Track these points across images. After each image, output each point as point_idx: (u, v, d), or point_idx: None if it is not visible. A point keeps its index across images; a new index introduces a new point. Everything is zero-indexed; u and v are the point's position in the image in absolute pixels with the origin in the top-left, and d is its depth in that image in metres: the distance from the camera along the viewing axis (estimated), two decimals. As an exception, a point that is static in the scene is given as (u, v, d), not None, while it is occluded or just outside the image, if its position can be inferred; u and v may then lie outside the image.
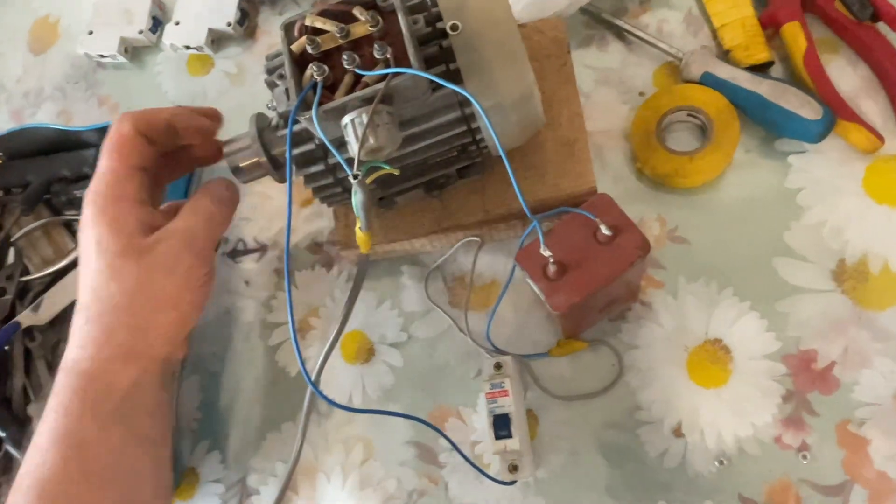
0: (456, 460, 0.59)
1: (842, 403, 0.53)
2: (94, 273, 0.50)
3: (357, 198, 0.44)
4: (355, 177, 0.42)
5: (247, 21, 0.76)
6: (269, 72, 0.51)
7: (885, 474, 0.51)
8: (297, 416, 0.62)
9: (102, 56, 0.78)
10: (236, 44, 0.77)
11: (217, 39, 0.77)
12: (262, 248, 0.69)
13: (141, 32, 0.77)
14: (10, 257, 0.71)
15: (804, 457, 0.52)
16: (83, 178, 0.71)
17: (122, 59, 0.78)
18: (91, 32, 0.78)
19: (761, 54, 0.59)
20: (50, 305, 0.69)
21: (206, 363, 0.67)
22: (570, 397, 0.58)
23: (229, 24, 0.74)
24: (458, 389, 0.60)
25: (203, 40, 0.75)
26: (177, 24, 0.76)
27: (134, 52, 0.79)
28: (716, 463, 0.54)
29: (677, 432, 0.55)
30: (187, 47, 0.76)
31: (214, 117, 0.57)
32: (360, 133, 0.43)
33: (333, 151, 0.43)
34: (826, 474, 0.52)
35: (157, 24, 0.79)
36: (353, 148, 0.43)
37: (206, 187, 0.56)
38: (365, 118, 0.43)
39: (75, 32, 0.82)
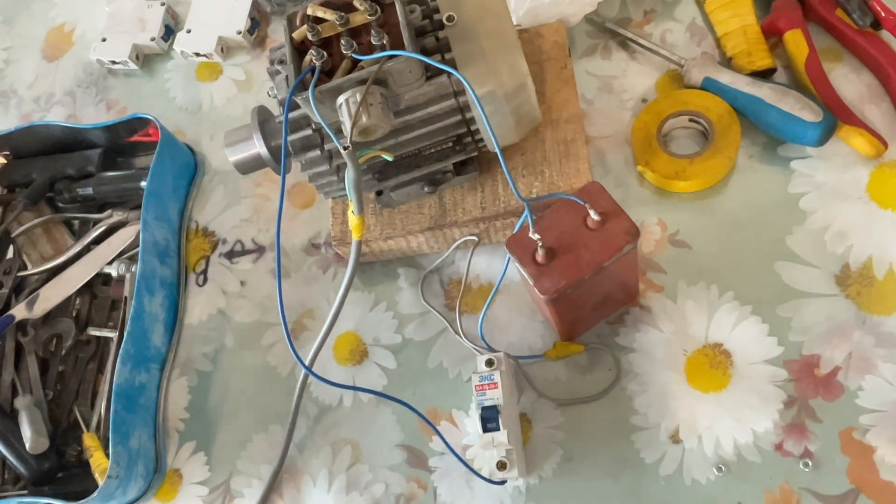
0: (446, 464, 0.61)
1: (846, 410, 0.55)
2: None
3: (348, 175, 0.48)
4: (346, 147, 0.46)
5: (257, 30, 0.83)
6: (272, 62, 0.57)
7: (890, 484, 0.52)
8: (285, 418, 0.65)
9: (114, 62, 0.85)
10: (245, 52, 0.83)
11: (226, 47, 0.83)
12: (259, 250, 0.74)
13: (153, 40, 0.84)
14: (9, 253, 0.76)
15: (806, 465, 0.54)
16: (86, 177, 0.77)
17: (132, 65, 0.85)
18: (104, 39, 0.85)
19: (763, 61, 0.64)
20: (44, 301, 0.73)
21: (196, 364, 0.71)
22: (565, 401, 0.60)
23: (239, 33, 0.81)
24: (451, 393, 0.63)
25: (213, 48, 0.81)
26: (188, 32, 0.83)
27: (145, 59, 0.86)
28: (714, 470, 0.55)
29: (674, 438, 0.57)
30: (197, 54, 0.83)
31: None
32: (353, 111, 0.48)
33: (326, 128, 0.48)
34: (830, 483, 0.53)
35: (169, 32, 0.86)
36: (347, 127, 0.48)
37: None
38: (359, 97, 0.48)
39: (89, 41, 0.90)
